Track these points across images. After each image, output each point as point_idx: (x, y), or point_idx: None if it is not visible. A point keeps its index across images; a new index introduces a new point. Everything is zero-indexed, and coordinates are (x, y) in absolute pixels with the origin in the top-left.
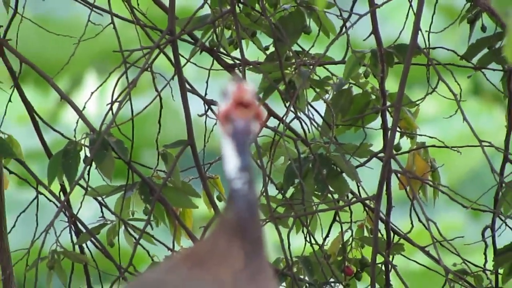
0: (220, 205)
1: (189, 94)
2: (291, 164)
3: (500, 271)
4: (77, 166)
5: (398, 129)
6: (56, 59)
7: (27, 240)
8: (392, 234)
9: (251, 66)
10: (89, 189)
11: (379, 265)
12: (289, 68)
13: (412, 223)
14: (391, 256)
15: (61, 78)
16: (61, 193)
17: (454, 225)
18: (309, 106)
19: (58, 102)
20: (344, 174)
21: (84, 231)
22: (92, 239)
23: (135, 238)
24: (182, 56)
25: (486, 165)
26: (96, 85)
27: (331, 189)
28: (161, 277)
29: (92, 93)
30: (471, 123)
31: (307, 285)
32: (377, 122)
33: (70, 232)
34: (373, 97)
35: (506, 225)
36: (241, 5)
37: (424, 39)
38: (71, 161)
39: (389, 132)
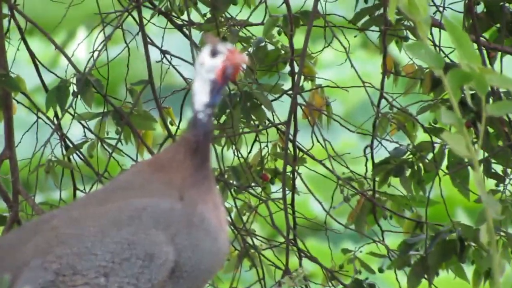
0: (172, 128)
1: (149, 46)
2: (224, 98)
3: (377, 179)
4: (67, 98)
5: (302, 74)
6: (55, 19)
7: (30, 152)
8: (298, 151)
9: (195, 26)
10: (75, 115)
11: (288, 173)
12: (223, 28)
13: (313, 142)
14: (297, 167)
15: (59, 34)
16: (55, 118)
17: (349, 143)
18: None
19: (56, 51)
20: (263, 106)
21: (71, 146)
22: (77, 152)
23: (109, 152)
24: (145, 18)
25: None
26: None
27: (253, 117)
28: (130, 178)
29: (79, 44)
30: (359, 69)
31: (235, 188)
32: (287, 69)
33: (61, 147)
34: (283, 52)
35: (381, 144)
36: None
37: (322, 7)
38: (62, 94)
39: (296, 75)
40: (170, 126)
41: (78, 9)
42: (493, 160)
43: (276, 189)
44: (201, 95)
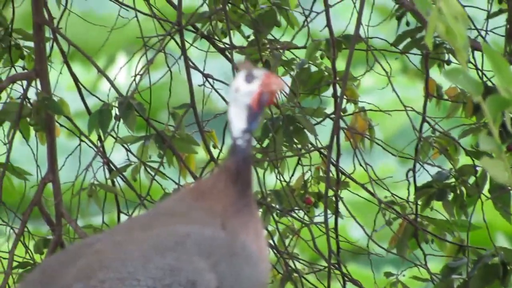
0: (215, 152)
1: (191, 70)
2: (267, 122)
3: (419, 202)
4: (109, 122)
5: (344, 97)
6: (96, 44)
7: (73, 176)
8: (340, 174)
9: (237, 50)
10: (118, 138)
11: (331, 197)
12: (265, 52)
13: (354, 166)
14: (339, 191)
15: (99, 58)
16: (98, 141)
17: (388, 169)
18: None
19: (97, 75)
20: (305, 130)
21: (114, 169)
22: (120, 175)
23: (151, 175)
24: (187, 42)
25: (410, 124)
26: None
27: (295, 141)
28: (172, 205)
29: (121, 68)
30: (400, 94)
31: (278, 211)
32: (329, 92)
33: (104, 170)
34: (326, 74)
35: (423, 168)
36: (230, 5)
37: (364, 30)
38: (105, 118)
39: (338, 99)
40: (212, 150)
41: (118, 34)
42: None
43: (318, 213)
44: (238, 121)
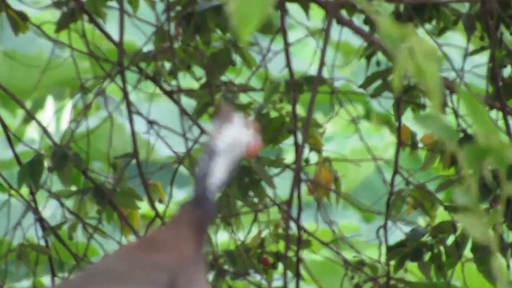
0: (161, 206)
1: (134, 115)
2: None
3: (392, 263)
4: (41, 173)
5: (307, 145)
6: (22, 85)
7: (0, 234)
8: (301, 232)
9: (186, 92)
10: (51, 192)
11: (291, 257)
12: (217, 94)
13: (317, 223)
14: (300, 250)
15: (25, 102)
16: (29, 195)
17: (350, 226)
18: None
19: (23, 121)
20: (262, 182)
21: (48, 227)
22: (54, 234)
23: (89, 233)
24: (129, 84)
25: (375, 176)
26: (54, 108)
27: (252, 194)
28: (111, 262)
29: (55, 113)
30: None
31: (231, 274)
32: (290, 140)
33: (36, 228)
34: (287, 119)
35: (396, 226)
36: (179, 42)
37: (327, 71)
38: (36, 169)
39: (299, 147)
40: (158, 204)
41: (47, 75)
42: None
43: (277, 276)
44: (220, 173)
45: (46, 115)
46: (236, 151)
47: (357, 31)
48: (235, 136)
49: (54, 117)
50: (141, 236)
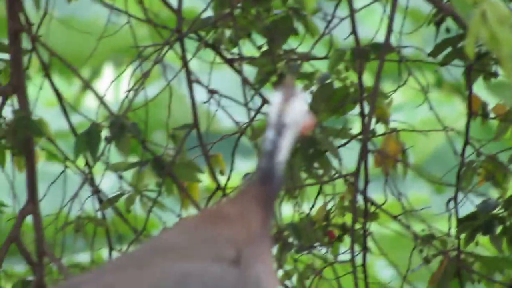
0: (222, 178)
1: (194, 84)
2: None
3: (462, 237)
4: (99, 144)
5: (374, 116)
6: (79, 53)
7: (56, 208)
8: (368, 204)
9: (247, 61)
10: (109, 164)
11: (358, 231)
12: (280, 63)
13: (386, 195)
14: (368, 223)
15: (82, 70)
16: (85, 167)
17: (421, 198)
18: None
19: (80, 90)
20: (327, 154)
21: (105, 200)
22: (112, 206)
23: (148, 206)
24: (189, 52)
25: (446, 147)
26: (113, 76)
27: (316, 166)
28: (173, 237)
29: (112, 82)
30: (433, 112)
31: (296, 248)
32: (356, 110)
33: (93, 201)
34: (352, 89)
35: (467, 198)
36: (239, 9)
37: (395, 38)
38: (93, 140)
39: (366, 118)
40: (219, 176)
41: (105, 42)
42: None
43: (343, 249)
44: (286, 147)
45: (103, 84)
46: (300, 125)
47: None
48: (299, 109)
49: (112, 86)
50: (204, 210)
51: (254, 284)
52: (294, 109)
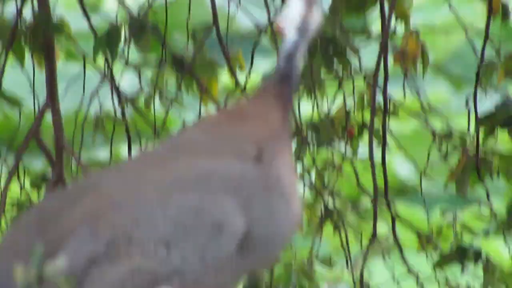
0: (241, 78)
1: None
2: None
3: (481, 134)
4: (119, 44)
5: (393, 15)
6: None
7: (76, 105)
8: (388, 101)
9: None
10: (128, 62)
11: (377, 127)
12: None
13: (404, 94)
14: (387, 120)
15: None
16: (105, 65)
17: (439, 96)
18: None
19: None
20: (347, 52)
21: (124, 97)
22: (131, 103)
23: (168, 104)
24: None
25: (466, 47)
26: None
27: (336, 64)
28: (193, 135)
29: None
30: (452, 13)
31: (315, 144)
32: (376, 10)
33: (112, 99)
34: None
35: (486, 96)
36: None
37: None
38: (113, 39)
39: (386, 17)
40: (238, 72)
41: None
42: None
43: (362, 146)
44: (304, 49)
45: None
46: (316, 27)
47: None
48: (318, 14)
49: None
50: (224, 108)
51: (275, 180)
52: (314, 14)
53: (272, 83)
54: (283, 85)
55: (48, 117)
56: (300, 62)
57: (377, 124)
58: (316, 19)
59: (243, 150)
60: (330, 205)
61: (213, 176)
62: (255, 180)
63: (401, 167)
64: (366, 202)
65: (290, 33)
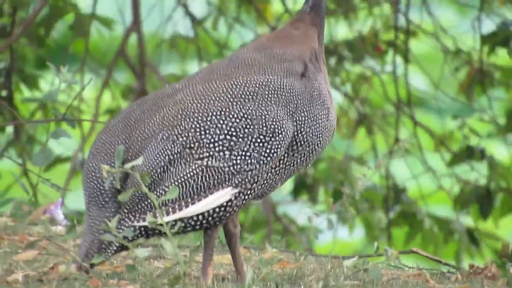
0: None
1: None
2: None
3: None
4: None
5: None
6: None
7: (155, 28)
8: (408, 24)
9: None
10: None
11: (401, 45)
12: None
13: (422, 18)
14: (408, 40)
15: None
16: None
17: (448, 20)
18: None
19: None
20: None
21: (195, 20)
22: (201, 26)
23: (230, 25)
24: None
25: None
26: None
27: None
28: (250, 54)
29: None
30: None
31: (350, 60)
32: None
33: (185, 22)
34: None
35: (489, 18)
36: None
37: None
38: None
39: None
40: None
41: None
42: None
43: (389, 62)
44: None
45: None
46: None
47: None
48: None
49: None
50: (274, 31)
51: (317, 90)
52: None
53: (306, 11)
54: (315, 12)
55: (133, 38)
56: None
57: (400, 43)
58: None
59: (292, 69)
60: (362, 112)
61: (267, 89)
62: (301, 93)
63: (418, 81)
64: (391, 109)
65: None
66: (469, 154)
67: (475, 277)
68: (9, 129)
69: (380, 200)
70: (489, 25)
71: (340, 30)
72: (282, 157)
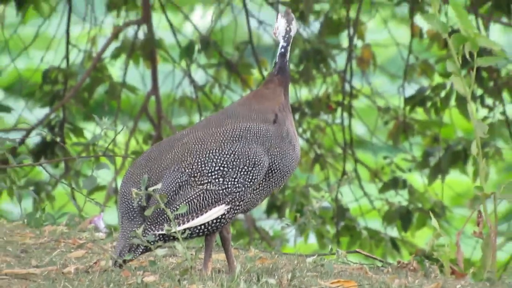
0: (265, 72)
1: (250, 17)
2: (301, 53)
3: (407, 108)
4: (194, 53)
5: (355, 36)
6: None
7: (168, 91)
8: (352, 89)
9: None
10: (199, 64)
11: (346, 105)
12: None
13: (362, 84)
14: (352, 100)
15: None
16: (186, 67)
17: (380, 85)
18: None
19: (183, 20)
20: (328, 59)
21: (197, 86)
22: (201, 90)
23: (222, 90)
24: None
25: (397, 55)
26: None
27: (322, 66)
28: (237, 108)
29: (200, 17)
30: (391, 34)
31: (309, 115)
32: (346, 33)
33: (190, 88)
34: (344, 20)
35: (409, 84)
36: None
37: None
38: (190, 51)
39: (351, 36)
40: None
41: None
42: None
43: (338, 116)
44: (287, 52)
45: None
46: (294, 34)
47: None
48: (293, 26)
49: (200, 17)
50: (252, 92)
51: (285, 132)
52: (294, 28)
53: (274, 74)
54: (281, 75)
55: (152, 98)
56: (288, 60)
57: (346, 103)
58: (294, 30)
59: (266, 118)
60: (318, 152)
61: (250, 131)
62: (274, 135)
63: (359, 130)
64: (339, 150)
65: (280, 40)
66: (395, 183)
67: (401, 270)
68: (61, 165)
69: (329, 216)
70: (410, 90)
71: (302, 92)
72: (261, 182)
